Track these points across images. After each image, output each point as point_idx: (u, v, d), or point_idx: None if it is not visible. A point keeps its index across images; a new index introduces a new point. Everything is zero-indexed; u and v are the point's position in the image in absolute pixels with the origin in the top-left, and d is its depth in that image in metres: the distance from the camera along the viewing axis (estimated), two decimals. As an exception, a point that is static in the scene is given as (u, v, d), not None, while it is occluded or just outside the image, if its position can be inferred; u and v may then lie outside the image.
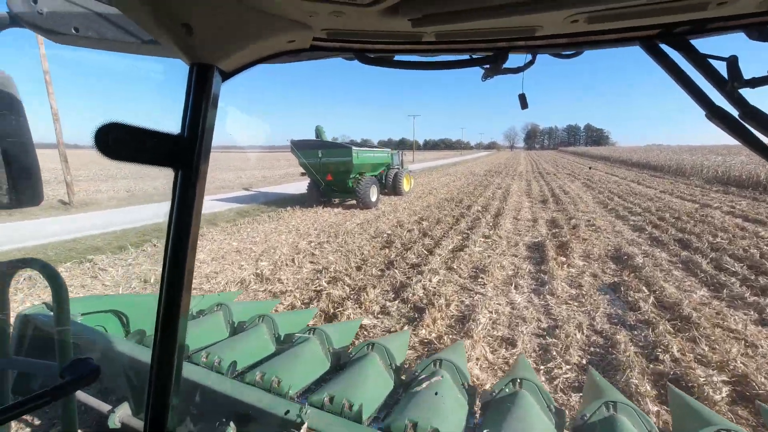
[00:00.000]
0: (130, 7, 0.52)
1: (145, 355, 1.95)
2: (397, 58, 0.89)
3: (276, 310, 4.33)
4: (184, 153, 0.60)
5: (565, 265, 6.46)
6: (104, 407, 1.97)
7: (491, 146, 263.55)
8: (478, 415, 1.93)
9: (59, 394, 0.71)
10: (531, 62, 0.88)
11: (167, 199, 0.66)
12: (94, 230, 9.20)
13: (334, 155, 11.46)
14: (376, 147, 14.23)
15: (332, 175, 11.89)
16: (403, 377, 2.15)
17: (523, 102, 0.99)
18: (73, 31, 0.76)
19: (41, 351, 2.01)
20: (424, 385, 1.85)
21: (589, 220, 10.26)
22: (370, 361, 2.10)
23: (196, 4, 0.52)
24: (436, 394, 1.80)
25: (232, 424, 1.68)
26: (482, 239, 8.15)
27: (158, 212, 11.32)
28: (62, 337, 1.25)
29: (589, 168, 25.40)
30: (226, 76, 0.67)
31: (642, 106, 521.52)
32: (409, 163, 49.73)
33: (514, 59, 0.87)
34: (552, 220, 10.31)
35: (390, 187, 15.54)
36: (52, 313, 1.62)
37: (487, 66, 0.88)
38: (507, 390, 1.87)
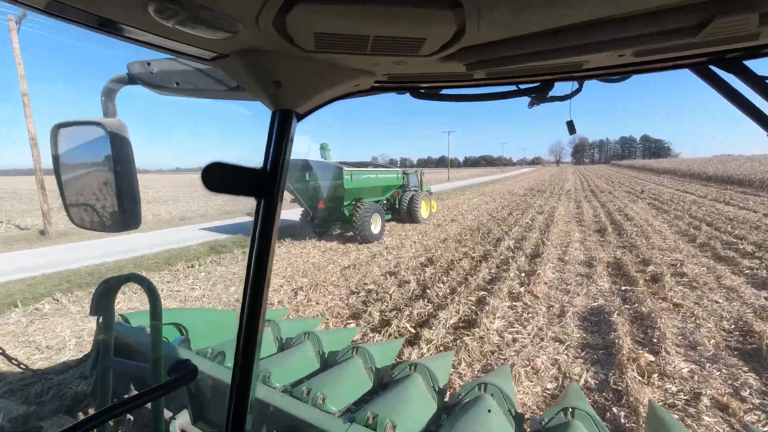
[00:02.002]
0: (233, 71, 0.66)
1: (205, 366, 2.06)
2: (446, 91, 0.96)
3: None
4: (267, 185, 0.68)
5: (657, 374, 3.58)
6: (165, 413, 2.05)
7: (535, 162, 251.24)
8: None
9: (169, 389, 0.82)
10: (578, 90, 0.90)
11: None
12: (62, 266, 7.80)
13: (324, 178, 9.31)
14: (384, 166, 11.86)
15: (324, 202, 9.71)
16: (446, 400, 2.13)
17: (571, 128, 1.01)
18: (175, 85, 0.92)
19: (119, 357, 1.93)
20: (469, 409, 1.82)
21: (674, 264, 7.06)
22: (413, 382, 2.09)
23: (286, 66, 0.63)
24: (489, 411, 1.81)
25: None
26: (507, 304, 5.39)
27: (134, 246, 9.77)
28: (156, 343, 1.48)
29: (641, 191, 21.18)
30: (300, 117, 0.76)
31: (705, 114, 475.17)
32: (443, 182, 46.93)
33: (561, 86, 0.89)
34: (616, 264, 7.23)
35: (405, 213, 13.07)
36: (127, 324, 2.59)
37: (534, 95, 0.90)
38: (558, 419, 1.78)
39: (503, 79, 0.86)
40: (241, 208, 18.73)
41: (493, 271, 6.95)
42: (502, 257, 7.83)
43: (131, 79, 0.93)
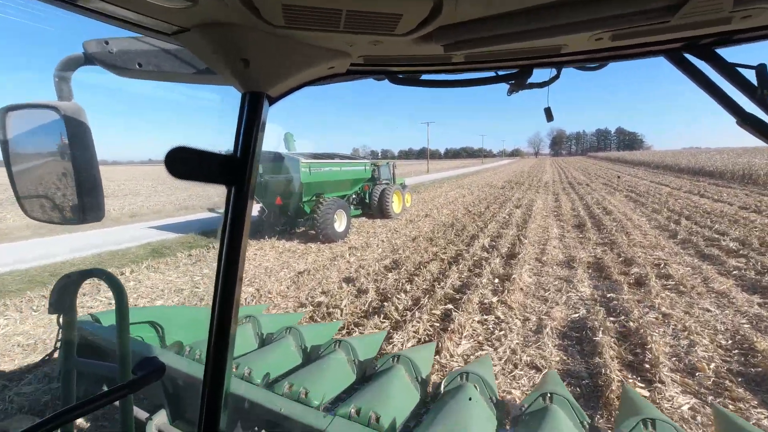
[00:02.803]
0: (197, 47, 0.61)
1: (181, 364, 2.04)
2: (425, 77, 0.92)
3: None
4: (237, 171, 0.63)
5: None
6: (142, 414, 2.09)
7: (515, 153, 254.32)
8: (506, 430, 1.84)
9: (133, 388, 0.79)
10: (556, 77, 0.88)
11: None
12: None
13: (279, 171, 8.31)
14: (350, 157, 10.88)
15: (281, 198, 8.72)
16: (429, 390, 2.17)
17: (549, 115, 0.99)
18: (137, 66, 0.83)
19: (89, 358, 1.92)
20: (451, 398, 1.84)
21: (658, 264, 6.50)
22: (396, 374, 2.10)
23: (254, 41, 0.58)
24: (470, 399, 1.84)
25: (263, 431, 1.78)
26: (477, 318, 4.64)
27: (64, 248, 8.51)
28: (123, 340, 1.41)
29: (618, 177, 21.30)
30: (272, 101, 0.71)
31: (675, 108, 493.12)
32: (422, 173, 46.19)
33: (539, 73, 0.88)
34: (597, 265, 6.62)
35: (375, 208, 12.20)
36: (97, 324, 2.49)
37: (512, 82, 0.88)
38: (537, 405, 1.82)
39: (482, 63, 0.83)
40: (202, 203, 17.40)
41: (464, 275, 6.19)
42: (475, 258, 7.10)
43: (88, 59, 0.83)
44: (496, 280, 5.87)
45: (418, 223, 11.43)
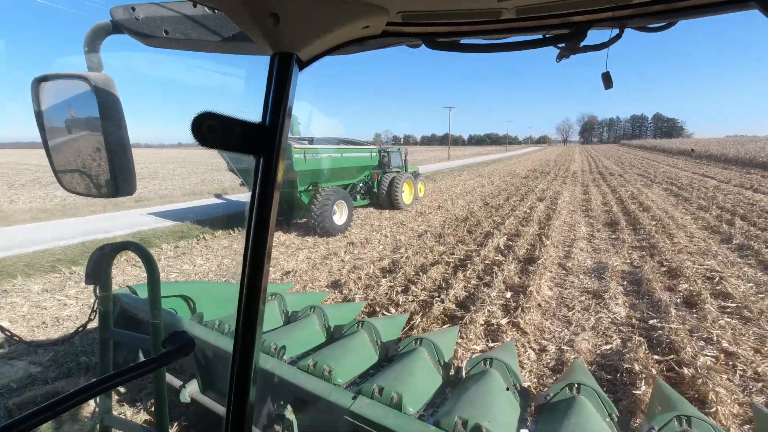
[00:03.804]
0: (224, 3, 0.58)
1: (211, 337, 2.14)
2: (464, 41, 0.82)
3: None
4: (266, 140, 0.61)
5: None
6: (176, 382, 2.23)
7: (542, 141, 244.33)
8: (529, 419, 1.81)
9: (163, 361, 0.80)
10: (618, 36, 0.75)
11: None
12: None
13: (270, 157, 7.51)
14: (356, 142, 9.94)
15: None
16: (451, 374, 2.14)
17: (608, 81, 0.84)
18: (164, 34, 0.82)
19: (126, 328, 2.18)
20: (474, 383, 1.82)
21: (711, 277, 5.34)
22: (418, 356, 2.09)
23: None
24: (507, 389, 1.84)
25: (289, 407, 1.83)
26: (480, 346, 3.73)
27: (48, 235, 8.16)
28: (155, 313, 1.46)
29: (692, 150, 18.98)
30: (302, 65, 0.67)
31: (718, 94, 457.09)
32: (443, 160, 44.54)
33: (593, 35, 0.76)
34: (634, 276, 5.52)
35: (384, 197, 11.30)
36: (134, 296, 2.66)
37: (563, 45, 0.78)
38: (563, 394, 1.78)
39: (533, 20, 0.73)
40: (211, 189, 17.03)
41: (471, 285, 5.26)
42: (486, 262, 6.13)
43: (115, 27, 0.82)
44: (509, 293, 4.90)
45: (428, 215, 10.47)
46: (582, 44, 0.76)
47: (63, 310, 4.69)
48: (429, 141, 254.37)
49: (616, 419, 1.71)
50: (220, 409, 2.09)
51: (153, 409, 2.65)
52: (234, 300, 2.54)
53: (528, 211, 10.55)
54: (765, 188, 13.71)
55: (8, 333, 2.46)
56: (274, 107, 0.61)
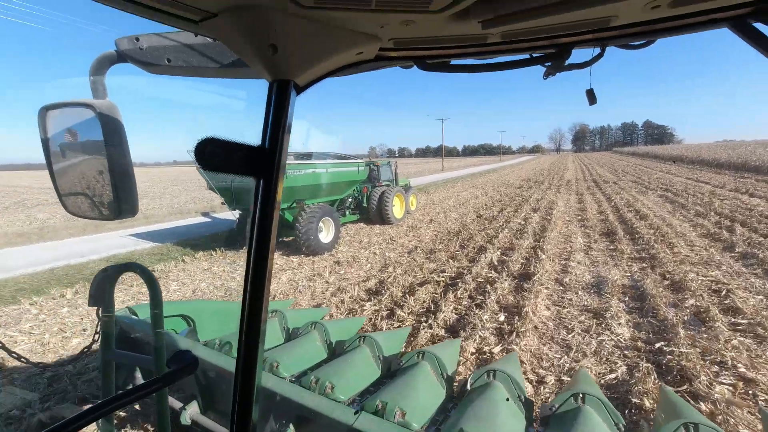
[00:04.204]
0: (225, 34, 0.61)
1: (212, 357, 2.10)
2: (455, 62, 0.86)
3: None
4: (266, 163, 0.63)
5: None
6: (176, 404, 2.16)
7: (535, 150, 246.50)
8: (535, 430, 1.79)
9: (168, 381, 0.80)
10: (600, 55, 0.80)
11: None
12: None
13: (250, 174, 7.18)
14: (344, 157, 9.63)
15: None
16: (455, 387, 2.14)
17: (592, 97, 0.89)
18: (166, 62, 0.86)
19: (126, 349, 2.04)
20: (478, 396, 1.81)
21: (717, 290, 5.00)
22: (421, 370, 2.07)
23: (282, 25, 0.56)
24: (507, 399, 1.82)
25: (291, 425, 1.81)
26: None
27: (18, 263, 7.70)
28: (158, 333, 1.47)
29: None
30: (299, 90, 0.70)
31: (706, 100, 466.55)
32: (437, 172, 44.44)
33: (578, 54, 0.80)
34: (636, 290, 5.16)
35: (374, 212, 10.97)
36: (134, 317, 2.63)
37: (549, 63, 0.81)
38: (569, 405, 1.76)
39: (519, 43, 0.76)
40: (198, 207, 16.61)
41: (462, 306, 4.88)
42: (479, 280, 5.76)
43: (120, 57, 0.86)
44: (503, 316, 4.52)
45: (420, 230, 10.13)
46: (567, 63, 0.78)
47: (11, 346, 4.24)
48: (424, 153, 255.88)
49: (623, 429, 1.70)
50: (221, 430, 2.07)
51: (153, 430, 2.67)
52: (233, 318, 2.97)
53: (522, 222, 10.24)
54: (761, 192, 13.54)
55: (15, 354, 2.45)
56: (273, 130, 0.63)
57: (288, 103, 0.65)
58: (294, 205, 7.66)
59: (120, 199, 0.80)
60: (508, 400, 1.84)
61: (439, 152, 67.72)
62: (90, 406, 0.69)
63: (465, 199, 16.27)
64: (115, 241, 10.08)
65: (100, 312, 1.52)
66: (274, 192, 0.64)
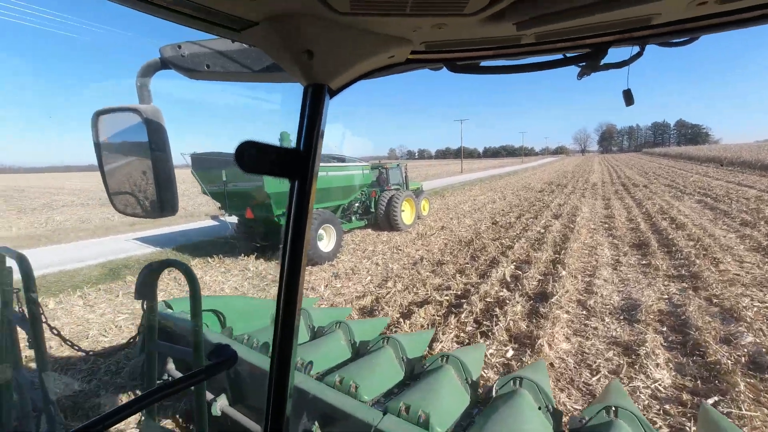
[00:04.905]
0: (264, 42, 0.63)
1: (241, 352, 2.11)
2: (485, 63, 0.86)
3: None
4: (301, 165, 0.64)
5: None
6: (207, 396, 2.12)
7: (558, 151, 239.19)
8: None
9: (210, 373, 0.82)
10: (639, 54, 0.76)
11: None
12: None
13: (243, 178, 6.74)
14: (345, 160, 9.06)
15: (252, 210, 7.17)
16: (479, 393, 2.12)
17: (629, 98, 0.83)
18: (205, 68, 0.90)
19: (163, 341, 2.06)
20: (504, 404, 1.79)
21: (781, 324, 4.11)
22: (445, 374, 2.07)
23: (318, 31, 0.57)
24: (540, 408, 1.80)
25: (316, 423, 1.81)
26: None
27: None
28: (196, 327, 1.53)
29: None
30: (333, 93, 0.71)
31: (745, 96, 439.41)
32: (455, 174, 43.34)
33: (614, 53, 0.76)
34: (677, 318, 4.34)
35: (383, 218, 10.38)
36: (170, 311, 2.76)
37: (583, 63, 0.78)
38: (600, 418, 1.70)
39: (553, 43, 0.74)
40: (208, 210, 16.50)
41: (464, 334, 4.21)
42: (488, 300, 5.06)
43: (164, 64, 0.92)
44: (511, 350, 3.82)
45: (429, 238, 9.45)
46: (603, 62, 0.76)
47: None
48: (444, 154, 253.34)
49: None
50: (249, 423, 2.11)
51: (180, 419, 2.79)
52: (261, 314, 2.99)
53: (542, 231, 9.39)
54: (817, 198, 12.07)
55: (69, 342, 2.54)
56: (308, 134, 0.65)
57: (322, 107, 0.66)
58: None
59: (162, 199, 0.83)
60: (540, 408, 1.80)
61: (459, 154, 66.25)
62: (135, 397, 0.71)
63: (481, 204, 15.42)
64: (118, 245, 9.92)
65: (144, 305, 1.63)
66: (308, 193, 0.65)
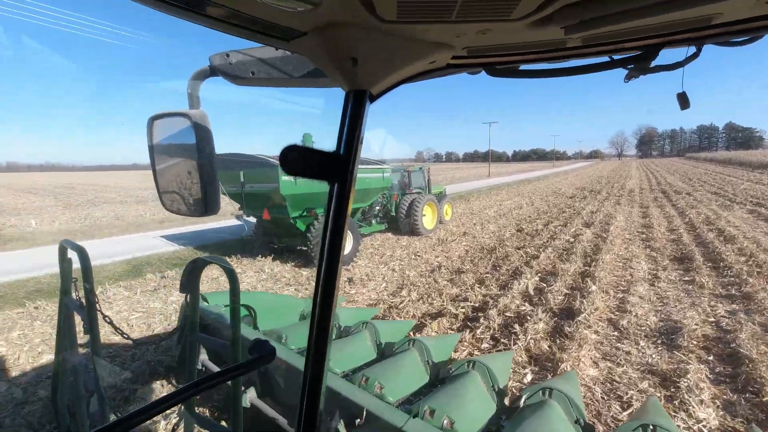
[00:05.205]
0: (311, 51, 0.65)
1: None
2: (524, 67, 0.84)
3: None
4: (341, 168, 0.65)
5: None
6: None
7: (593, 155, 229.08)
8: None
9: (250, 367, 0.83)
10: (695, 55, 0.72)
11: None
12: None
13: (259, 179, 6.70)
14: (366, 162, 8.90)
15: (269, 211, 7.14)
16: (506, 402, 2.07)
17: (684, 102, 0.78)
18: (251, 75, 0.94)
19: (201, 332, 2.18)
20: (532, 414, 1.74)
21: None
22: (471, 380, 2.04)
23: (363, 39, 0.58)
24: (576, 421, 1.76)
25: (342, 421, 1.84)
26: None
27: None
28: (235, 322, 1.61)
29: None
30: (373, 98, 0.72)
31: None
32: (482, 177, 42.32)
33: (666, 53, 0.71)
34: (725, 346, 3.82)
35: (403, 222, 10.14)
36: (204, 303, 3.01)
37: (632, 65, 0.73)
38: None
39: (601, 46, 0.70)
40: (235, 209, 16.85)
41: (479, 352, 3.89)
42: (507, 315, 4.71)
43: (212, 71, 0.96)
44: (530, 372, 3.47)
45: (450, 244, 9.12)
46: (653, 64, 0.71)
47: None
48: (472, 158, 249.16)
49: None
50: (276, 416, 2.17)
51: (212, 410, 2.92)
52: (289, 311, 3.27)
53: (571, 240, 8.82)
54: None
55: (120, 330, 2.64)
56: (348, 138, 0.65)
57: (363, 112, 0.68)
58: (305, 213, 7.07)
59: (207, 198, 0.87)
60: (576, 422, 1.76)
61: (487, 157, 64.60)
62: (181, 387, 0.72)
63: (507, 210, 14.83)
64: (145, 242, 10.24)
65: (187, 298, 1.73)
66: (347, 196, 0.66)
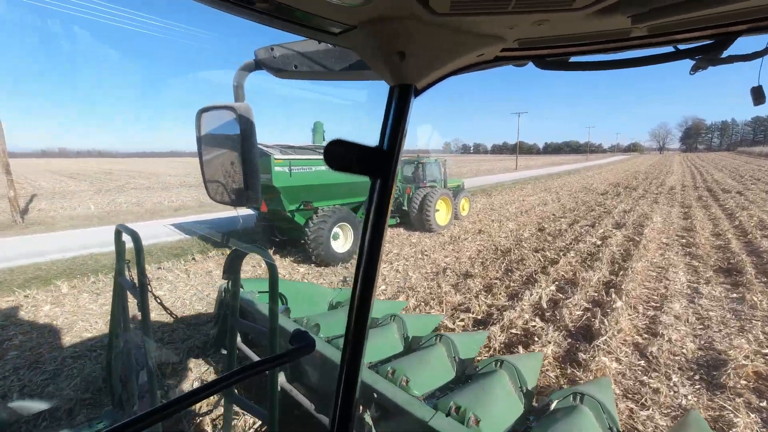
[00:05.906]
0: (359, 44, 0.64)
1: None
2: (575, 59, 0.78)
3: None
4: (384, 163, 0.64)
5: None
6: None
7: (631, 148, 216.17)
8: None
9: (291, 358, 0.82)
10: None
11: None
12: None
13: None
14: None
15: (266, 203, 6.77)
16: (534, 403, 2.04)
17: (759, 96, 0.67)
18: (293, 68, 0.97)
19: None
20: (561, 419, 1.70)
21: None
22: (499, 379, 2.03)
23: (412, 33, 0.57)
24: (610, 429, 1.74)
25: (368, 412, 1.87)
26: None
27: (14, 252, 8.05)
28: (273, 312, 1.67)
29: None
30: (418, 92, 0.70)
31: None
32: (509, 170, 40.56)
33: (741, 41, 0.63)
34: (784, 393, 3.07)
35: (415, 217, 9.58)
36: (241, 289, 2.83)
37: (700, 56, 0.66)
38: None
39: (668, 35, 0.64)
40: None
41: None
42: (513, 332, 4.10)
43: (257, 65, 0.99)
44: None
45: (462, 243, 8.47)
46: (725, 54, 0.64)
47: None
48: (500, 149, 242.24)
49: None
50: (303, 400, 2.25)
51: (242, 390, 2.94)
52: (319, 300, 3.55)
53: (598, 243, 7.94)
54: None
55: (169, 310, 2.75)
56: (393, 132, 0.65)
57: (407, 107, 0.66)
58: (301, 206, 6.65)
59: (248, 189, 0.88)
60: (609, 430, 1.72)
61: (516, 149, 61.82)
62: (224, 374, 0.74)
63: (530, 206, 13.88)
64: (153, 230, 10.22)
65: (230, 285, 1.92)
66: (389, 191, 0.65)
